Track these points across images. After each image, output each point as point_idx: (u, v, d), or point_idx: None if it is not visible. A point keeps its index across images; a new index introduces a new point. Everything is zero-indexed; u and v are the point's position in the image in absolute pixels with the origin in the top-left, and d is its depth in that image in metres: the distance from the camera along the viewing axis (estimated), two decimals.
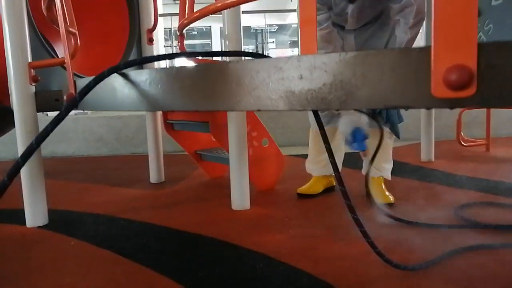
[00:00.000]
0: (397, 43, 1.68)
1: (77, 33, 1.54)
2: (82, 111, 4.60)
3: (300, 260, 1.26)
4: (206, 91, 0.63)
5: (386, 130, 1.81)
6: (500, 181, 2.17)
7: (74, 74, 1.96)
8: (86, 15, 2.29)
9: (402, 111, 1.87)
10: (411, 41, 1.67)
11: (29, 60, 1.68)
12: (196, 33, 14.87)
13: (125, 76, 0.76)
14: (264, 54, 0.94)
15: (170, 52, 8.23)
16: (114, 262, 1.32)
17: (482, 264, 1.18)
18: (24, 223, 1.71)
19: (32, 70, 1.68)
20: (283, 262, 1.25)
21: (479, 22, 2.20)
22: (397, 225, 1.55)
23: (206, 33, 14.99)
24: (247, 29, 13.28)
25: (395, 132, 1.81)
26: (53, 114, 4.52)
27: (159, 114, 2.50)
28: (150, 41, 2.48)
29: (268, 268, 1.21)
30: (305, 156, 2.15)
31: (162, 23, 7.67)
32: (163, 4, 9.35)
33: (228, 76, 0.60)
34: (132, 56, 2.38)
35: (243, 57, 1.26)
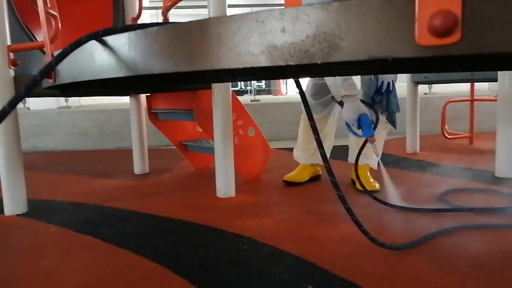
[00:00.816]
0: None
1: (58, 16, 1.50)
2: (66, 104, 4.53)
3: (285, 242, 1.25)
4: (186, 50, 0.61)
5: (382, 119, 1.80)
6: (483, 169, 2.20)
7: None
8: (69, 2, 2.24)
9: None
10: None
11: (8, 43, 1.63)
12: None
13: (103, 42, 0.74)
14: None
15: None
16: (95, 247, 1.28)
17: (466, 243, 1.19)
18: (2, 211, 1.66)
19: (11, 53, 1.64)
20: (268, 244, 1.24)
21: None
22: (383, 210, 1.55)
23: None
24: None
25: (392, 121, 1.81)
26: (35, 108, 4.43)
27: (144, 104, 2.46)
28: (135, 20, 2.43)
29: (253, 250, 1.20)
30: (292, 149, 2.14)
31: (148, 16, 7.58)
32: None
33: (209, 33, 0.58)
34: None
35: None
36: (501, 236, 1.24)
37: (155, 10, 7.36)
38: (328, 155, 1.86)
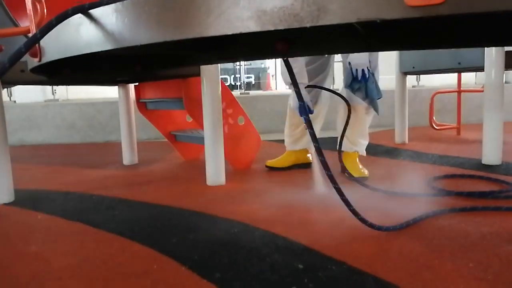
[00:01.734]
0: None
1: (43, 1, 1.47)
2: (53, 97, 4.46)
3: (275, 225, 1.25)
4: (174, 18, 0.60)
5: (364, 105, 1.82)
6: (470, 157, 2.23)
7: None
8: None
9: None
10: None
11: None
12: None
13: (89, 16, 0.72)
14: None
15: None
16: (83, 232, 1.27)
17: (455, 224, 1.20)
18: None
19: None
20: (258, 227, 1.23)
21: None
22: (373, 195, 1.56)
23: None
24: None
25: (374, 107, 1.83)
26: (22, 101, 4.36)
27: (132, 94, 2.43)
28: None
29: (243, 233, 1.20)
30: (282, 141, 2.17)
31: None
32: None
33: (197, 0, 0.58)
34: None
35: None
36: (488, 218, 1.26)
37: None
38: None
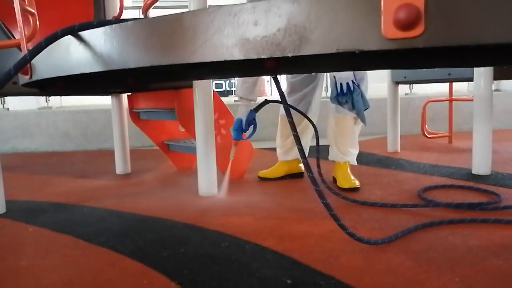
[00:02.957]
0: None
1: (35, 14, 1.48)
2: (46, 105, 4.45)
3: (266, 238, 1.26)
4: (161, 44, 0.62)
5: (352, 115, 1.85)
6: (460, 167, 2.25)
7: None
8: (48, 2, 2.21)
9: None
10: None
11: None
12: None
13: (79, 37, 0.73)
14: None
15: None
16: (74, 246, 1.27)
17: (443, 237, 1.22)
18: None
19: None
20: (249, 241, 1.24)
21: None
22: (361, 207, 1.57)
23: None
24: None
25: (361, 118, 1.85)
26: (15, 108, 4.34)
27: (125, 104, 2.44)
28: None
29: (234, 246, 1.20)
30: (275, 149, 2.18)
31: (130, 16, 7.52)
32: None
33: (183, 26, 0.59)
34: None
35: None
36: (475, 230, 1.28)
37: (137, 10, 7.31)
38: (306, 152, 1.90)
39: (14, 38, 2.01)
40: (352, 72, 1.77)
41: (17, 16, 1.47)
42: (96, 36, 0.70)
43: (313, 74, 2.03)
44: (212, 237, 1.30)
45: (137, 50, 0.64)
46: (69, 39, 0.75)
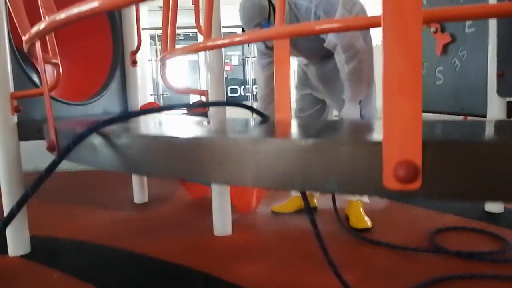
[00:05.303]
0: (347, 92, 1.78)
1: (59, 63, 1.54)
2: None
3: None
4: (185, 163, 0.66)
5: None
6: (473, 204, 2.25)
7: (58, 101, 1.98)
8: (69, 38, 2.30)
9: None
10: (352, 73, 1.75)
11: (11, 90, 1.69)
12: (182, 38, 14.79)
13: (104, 136, 0.79)
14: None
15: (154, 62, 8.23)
16: None
17: None
18: (6, 251, 1.71)
19: (14, 100, 1.69)
20: None
21: (454, 48, 2.29)
22: (373, 250, 1.60)
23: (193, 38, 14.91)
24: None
25: None
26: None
27: None
28: (134, 63, 2.50)
29: None
30: None
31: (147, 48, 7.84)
32: (148, 10, 9.34)
33: (201, 150, 0.64)
34: (116, 78, 2.39)
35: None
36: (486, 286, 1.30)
37: (154, 31, 7.54)
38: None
39: (39, 75, 2.09)
40: (359, 114, 1.80)
41: (40, 68, 1.54)
42: (120, 141, 0.76)
43: (321, 110, 2.09)
44: None
45: (159, 165, 0.70)
46: (94, 137, 0.81)
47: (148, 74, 8.86)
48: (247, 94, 11.60)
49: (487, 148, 0.50)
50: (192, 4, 2.06)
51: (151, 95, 9.01)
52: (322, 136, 0.60)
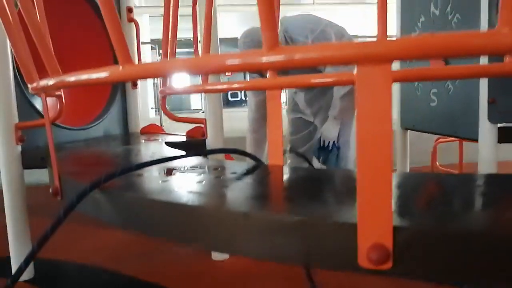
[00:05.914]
0: (334, 109, 1.85)
1: (62, 95, 1.60)
2: None
3: None
4: (182, 225, 0.71)
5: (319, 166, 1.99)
6: None
7: (60, 127, 2.04)
8: (69, 62, 2.35)
9: None
10: (348, 95, 1.81)
11: (16, 121, 1.75)
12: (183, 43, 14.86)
13: (107, 193, 0.84)
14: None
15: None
16: None
17: None
18: (10, 276, 1.76)
19: (18, 130, 1.75)
20: None
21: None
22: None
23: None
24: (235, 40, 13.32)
25: None
26: None
27: None
28: (134, 85, 2.56)
29: None
30: None
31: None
32: (149, 16, 9.42)
33: (202, 218, 0.69)
34: (117, 102, 2.45)
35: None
36: None
37: (155, 44, 7.62)
38: None
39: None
40: (337, 133, 1.88)
41: (42, 103, 1.60)
42: (122, 199, 0.81)
43: (311, 133, 2.15)
44: None
45: (161, 228, 0.75)
46: (97, 192, 0.87)
47: (150, 86, 8.94)
48: (247, 98, 11.64)
49: (452, 236, 0.56)
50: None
51: (151, 108, 9.07)
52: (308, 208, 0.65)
